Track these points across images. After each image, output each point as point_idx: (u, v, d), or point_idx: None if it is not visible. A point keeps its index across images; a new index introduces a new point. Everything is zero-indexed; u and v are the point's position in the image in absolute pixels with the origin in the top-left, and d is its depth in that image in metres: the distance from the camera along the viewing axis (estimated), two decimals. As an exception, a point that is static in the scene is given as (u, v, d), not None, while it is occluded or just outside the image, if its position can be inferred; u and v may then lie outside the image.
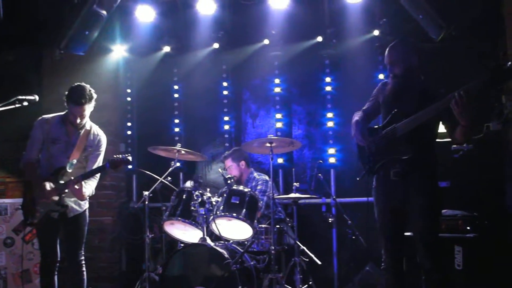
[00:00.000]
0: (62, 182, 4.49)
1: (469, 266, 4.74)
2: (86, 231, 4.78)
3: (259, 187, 6.06)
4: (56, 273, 4.65)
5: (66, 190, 4.49)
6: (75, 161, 4.62)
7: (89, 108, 4.64)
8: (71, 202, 4.61)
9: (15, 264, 6.33)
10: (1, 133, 6.62)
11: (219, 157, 7.30)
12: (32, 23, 6.79)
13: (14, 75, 6.88)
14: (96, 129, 4.84)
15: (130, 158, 4.62)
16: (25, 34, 6.82)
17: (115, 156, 4.61)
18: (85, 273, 4.70)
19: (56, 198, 4.45)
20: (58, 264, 4.67)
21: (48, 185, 4.45)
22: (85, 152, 4.70)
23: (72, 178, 4.49)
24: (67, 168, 4.57)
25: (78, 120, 4.61)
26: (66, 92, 4.61)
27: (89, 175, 4.60)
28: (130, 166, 7.20)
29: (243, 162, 6.29)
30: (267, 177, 6.16)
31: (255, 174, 6.30)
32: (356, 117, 4.13)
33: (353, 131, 4.06)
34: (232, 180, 5.45)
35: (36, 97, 4.22)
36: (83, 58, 6.62)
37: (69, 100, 4.57)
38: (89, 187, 4.66)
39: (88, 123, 4.76)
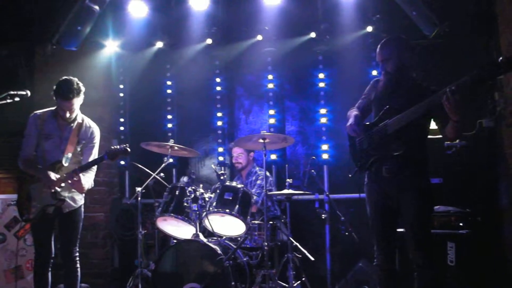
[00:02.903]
0: (58, 176, 4.48)
1: (461, 262, 4.75)
2: (81, 228, 4.77)
3: (258, 182, 6.12)
4: (50, 269, 4.64)
5: (63, 184, 4.48)
6: (70, 154, 4.61)
7: (78, 101, 4.60)
8: (66, 197, 4.59)
9: (7, 261, 6.30)
10: (-7, 128, 6.59)
11: (212, 153, 7.32)
12: (24, 18, 6.75)
13: (6, 70, 6.84)
14: (88, 121, 4.81)
15: (128, 148, 4.61)
16: (17, 29, 6.78)
17: (112, 147, 4.60)
18: (79, 269, 4.68)
19: (60, 187, 4.46)
20: (52, 261, 4.65)
21: (53, 175, 4.44)
22: (79, 145, 4.68)
23: (65, 174, 4.48)
24: (63, 162, 4.56)
25: (68, 114, 4.59)
26: (54, 87, 4.56)
27: (86, 167, 4.59)
28: (122, 162, 7.21)
29: (252, 154, 6.42)
30: (268, 173, 6.20)
31: (257, 168, 6.37)
32: (355, 111, 4.12)
33: (350, 121, 4.02)
34: (225, 176, 5.47)
35: (28, 92, 4.21)
36: (76, 54, 6.59)
37: (57, 95, 4.54)
38: (88, 179, 4.65)
39: (79, 115, 4.74)
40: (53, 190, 4.44)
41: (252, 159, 6.44)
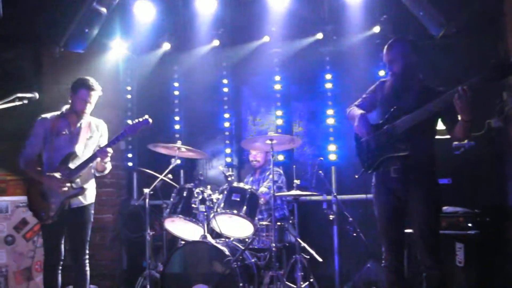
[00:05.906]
0: (72, 167, 4.55)
1: (470, 263, 4.74)
2: (90, 229, 4.77)
3: (271, 176, 6.09)
4: (59, 271, 4.66)
5: (80, 174, 4.57)
6: (83, 146, 4.69)
7: (96, 97, 4.73)
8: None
9: (16, 262, 6.33)
10: (1, 131, 6.60)
11: (219, 154, 7.32)
12: (31, 21, 6.77)
13: (13, 73, 6.86)
14: (95, 120, 4.91)
15: (150, 119, 4.81)
16: (24, 31, 6.80)
17: (129, 121, 4.71)
18: (88, 271, 4.69)
19: (66, 188, 4.51)
20: (61, 262, 4.67)
21: (58, 175, 4.49)
22: (89, 139, 4.76)
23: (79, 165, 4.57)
24: (77, 153, 4.63)
25: (87, 106, 4.69)
26: (74, 82, 4.70)
27: (111, 143, 4.69)
28: (130, 164, 7.21)
29: (270, 153, 6.34)
30: (281, 171, 6.24)
31: (271, 165, 6.32)
32: (358, 110, 4.10)
33: (357, 123, 4.02)
34: (232, 177, 5.47)
35: (36, 95, 4.23)
36: (83, 56, 6.61)
37: (81, 86, 4.65)
38: (108, 162, 4.75)
39: (87, 116, 4.81)
40: (64, 189, 4.49)
41: (269, 158, 6.40)
